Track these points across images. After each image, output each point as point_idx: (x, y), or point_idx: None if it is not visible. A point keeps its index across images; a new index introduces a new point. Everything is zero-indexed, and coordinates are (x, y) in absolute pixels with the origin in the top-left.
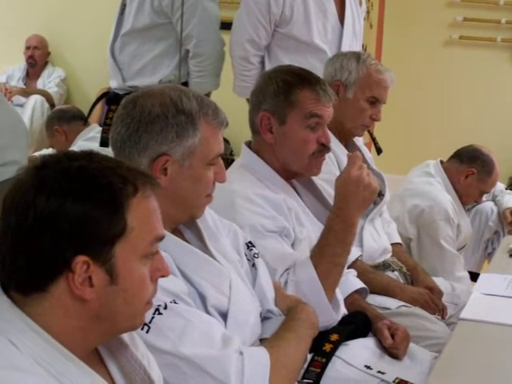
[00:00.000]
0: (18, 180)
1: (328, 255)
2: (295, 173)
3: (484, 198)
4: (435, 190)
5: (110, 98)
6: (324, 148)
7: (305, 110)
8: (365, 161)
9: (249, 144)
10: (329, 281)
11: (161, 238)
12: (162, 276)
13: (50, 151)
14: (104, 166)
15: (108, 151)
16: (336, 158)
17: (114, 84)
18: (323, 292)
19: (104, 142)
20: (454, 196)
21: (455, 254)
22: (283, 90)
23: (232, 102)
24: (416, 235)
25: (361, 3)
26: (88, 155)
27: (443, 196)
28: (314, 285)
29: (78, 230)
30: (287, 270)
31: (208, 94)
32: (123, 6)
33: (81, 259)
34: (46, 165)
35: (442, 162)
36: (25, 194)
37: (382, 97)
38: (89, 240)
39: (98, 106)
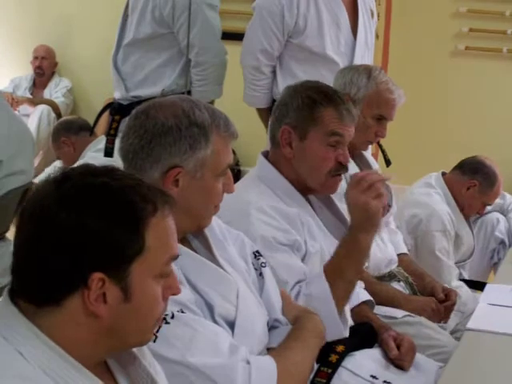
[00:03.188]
0: (39, 192)
1: (337, 270)
2: (311, 189)
3: (490, 208)
4: (433, 201)
5: (114, 109)
6: (341, 167)
7: (327, 127)
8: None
9: (265, 154)
10: (337, 296)
11: (175, 257)
12: (173, 294)
13: (58, 164)
14: (125, 184)
15: (112, 161)
16: None
17: (117, 94)
18: (335, 307)
19: (108, 153)
20: (455, 207)
21: (451, 265)
22: (307, 106)
23: (239, 112)
24: (413, 245)
25: (372, 15)
26: (110, 171)
27: (441, 207)
28: (326, 300)
29: (97, 247)
30: (298, 282)
31: (211, 103)
32: (125, 17)
33: (97, 276)
34: (67, 178)
35: (444, 173)
36: (45, 207)
37: (389, 115)
38: (106, 258)
39: (105, 117)
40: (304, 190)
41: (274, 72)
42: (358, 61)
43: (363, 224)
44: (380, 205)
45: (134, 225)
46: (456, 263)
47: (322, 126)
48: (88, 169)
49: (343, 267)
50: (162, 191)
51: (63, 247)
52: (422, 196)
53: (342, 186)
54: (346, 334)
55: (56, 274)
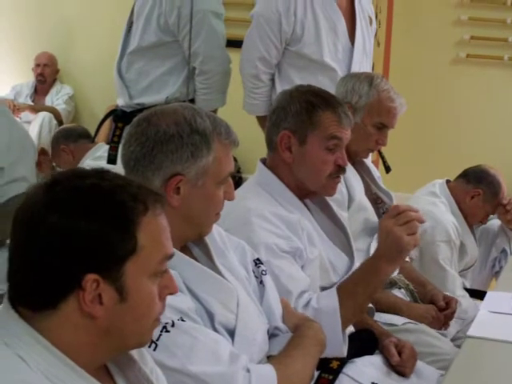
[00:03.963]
0: (29, 197)
1: (351, 291)
2: (310, 192)
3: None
4: (438, 210)
5: (117, 116)
6: (340, 170)
7: (326, 131)
8: (374, 181)
9: (264, 161)
10: (345, 316)
11: (170, 257)
12: (171, 293)
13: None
14: (115, 185)
15: (115, 168)
16: (344, 177)
17: (120, 102)
18: (340, 326)
19: (111, 160)
20: (459, 216)
21: (454, 274)
22: (306, 110)
23: (240, 119)
24: (418, 255)
25: (371, 22)
26: (99, 173)
27: (446, 217)
28: (333, 317)
29: (89, 249)
30: (302, 293)
31: (214, 111)
32: (130, 24)
33: (91, 277)
34: (56, 182)
35: (448, 181)
36: (36, 211)
37: (390, 124)
38: (99, 258)
39: (106, 124)
40: (302, 193)
41: (272, 80)
42: (355, 67)
43: (390, 255)
44: (412, 243)
45: (125, 225)
46: (458, 272)
47: (321, 130)
48: (76, 172)
49: (357, 290)
50: (152, 190)
51: (54, 250)
52: (426, 205)
53: (340, 189)
54: (345, 353)
55: (50, 277)
